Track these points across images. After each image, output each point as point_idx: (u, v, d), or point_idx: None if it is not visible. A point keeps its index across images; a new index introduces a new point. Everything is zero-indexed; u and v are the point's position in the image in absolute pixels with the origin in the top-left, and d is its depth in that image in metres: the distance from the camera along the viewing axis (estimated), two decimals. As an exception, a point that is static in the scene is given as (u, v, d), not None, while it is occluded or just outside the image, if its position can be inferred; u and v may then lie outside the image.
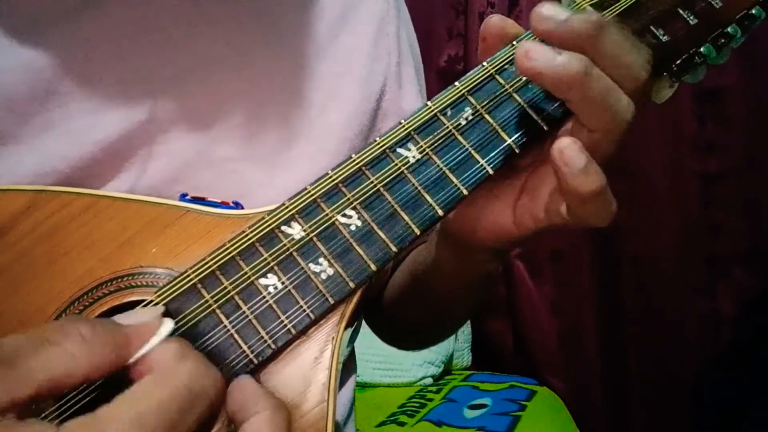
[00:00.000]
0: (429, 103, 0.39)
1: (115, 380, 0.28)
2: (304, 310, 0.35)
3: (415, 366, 1.61)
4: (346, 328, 0.36)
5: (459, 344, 1.75)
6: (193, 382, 0.26)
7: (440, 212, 0.37)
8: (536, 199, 0.38)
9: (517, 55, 0.34)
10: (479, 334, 1.78)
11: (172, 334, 0.30)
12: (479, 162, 0.38)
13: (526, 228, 0.39)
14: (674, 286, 1.56)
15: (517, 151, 0.38)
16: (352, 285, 0.36)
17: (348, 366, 0.57)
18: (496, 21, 0.39)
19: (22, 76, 0.42)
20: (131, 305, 0.35)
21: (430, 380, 1.63)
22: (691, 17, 0.40)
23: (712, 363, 1.53)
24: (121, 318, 0.29)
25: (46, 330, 0.26)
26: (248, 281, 0.35)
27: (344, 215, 0.37)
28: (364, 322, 0.61)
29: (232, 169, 0.47)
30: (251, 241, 0.36)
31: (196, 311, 0.35)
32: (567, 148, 0.34)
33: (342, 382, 0.55)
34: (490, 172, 0.38)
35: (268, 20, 0.50)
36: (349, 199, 0.37)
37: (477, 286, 0.50)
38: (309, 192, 0.37)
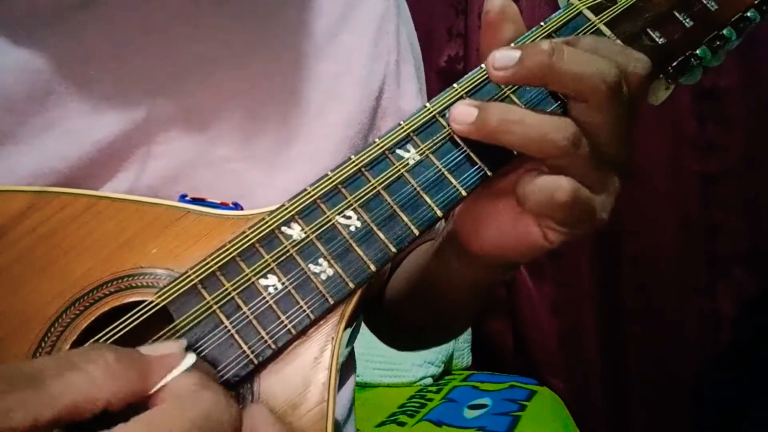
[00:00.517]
0: (428, 104, 0.39)
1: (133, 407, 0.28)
2: (304, 311, 0.35)
3: (415, 366, 1.61)
4: (345, 328, 0.36)
5: (459, 344, 1.75)
6: (211, 414, 0.26)
7: (439, 213, 0.37)
8: None
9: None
10: (479, 334, 1.78)
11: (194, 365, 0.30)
12: (478, 163, 0.38)
13: (557, 241, 0.39)
14: (674, 286, 1.56)
15: (515, 152, 0.38)
16: (351, 285, 0.36)
17: (347, 366, 0.57)
18: (498, 2, 0.39)
19: (20, 76, 0.42)
20: (132, 306, 0.35)
21: (430, 380, 1.62)
22: (687, 20, 0.40)
23: (712, 363, 1.53)
24: (144, 348, 0.29)
25: (71, 355, 0.26)
26: (248, 282, 0.35)
27: (344, 216, 0.37)
28: (363, 323, 0.61)
29: (232, 169, 0.47)
30: (251, 241, 0.36)
31: (197, 312, 0.35)
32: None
33: (342, 382, 0.55)
34: (488, 173, 0.38)
35: (266, 20, 0.50)
36: (348, 200, 0.37)
37: (484, 292, 0.50)
38: (309, 193, 0.37)
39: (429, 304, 0.54)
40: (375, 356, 1.60)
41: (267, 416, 0.30)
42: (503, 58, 0.36)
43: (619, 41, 0.39)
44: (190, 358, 0.29)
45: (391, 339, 0.65)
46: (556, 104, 0.38)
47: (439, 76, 1.73)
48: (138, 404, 0.27)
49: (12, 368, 0.25)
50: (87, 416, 0.25)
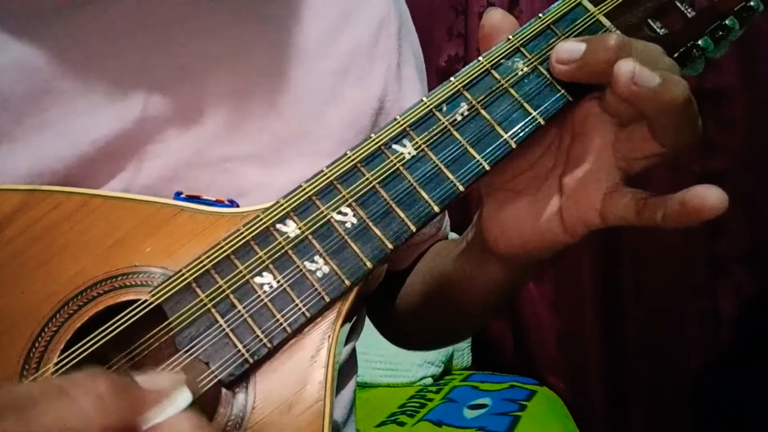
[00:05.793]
0: (424, 98, 0.38)
1: None
2: (300, 309, 0.35)
3: (415, 366, 1.61)
4: (342, 326, 0.36)
5: (459, 344, 1.75)
6: None
7: (436, 208, 0.37)
8: (583, 203, 0.39)
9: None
10: (479, 334, 1.78)
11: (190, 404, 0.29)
12: (475, 158, 0.37)
13: (577, 233, 0.40)
14: (674, 286, 1.56)
15: (513, 146, 0.38)
16: (347, 283, 0.35)
17: (349, 368, 0.57)
18: (496, 15, 0.40)
19: (17, 74, 0.42)
20: (126, 305, 0.35)
21: (430, 380, 1.62)
22: (689, 9, 0.39)
23: (712, 363, 1.53)
24: (141, 378, 0.28)
25: (63, 381, 0.25)
26: (243, 280, 0.35)
27: (339, 213, 0.36)
28: (366, 323, 0.61)
29: (229, 168, 0.47)
30: (246, 239, 0.36)
31: (191, 310, 0.35)
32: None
33: (343, 384, 0.55)
34: (487, 167, 0.37)
35: (264, 18, 0.50)
36: (344, 196, 0.37)
37: (511, 292, 0.51)
38: (304, 189, 0.37)
39: (449, 305, 0.54)
40: (375, 356, 1.59)
41: None
42: (566, 51, 0.36)
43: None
44: (185, 398, 0.28)
45: (399, 339, 0.64)
46: (560, 93, 0.38)
47: (439, 76, 1.73)
48: None
49: (1, 394, 0.24)
50: None
